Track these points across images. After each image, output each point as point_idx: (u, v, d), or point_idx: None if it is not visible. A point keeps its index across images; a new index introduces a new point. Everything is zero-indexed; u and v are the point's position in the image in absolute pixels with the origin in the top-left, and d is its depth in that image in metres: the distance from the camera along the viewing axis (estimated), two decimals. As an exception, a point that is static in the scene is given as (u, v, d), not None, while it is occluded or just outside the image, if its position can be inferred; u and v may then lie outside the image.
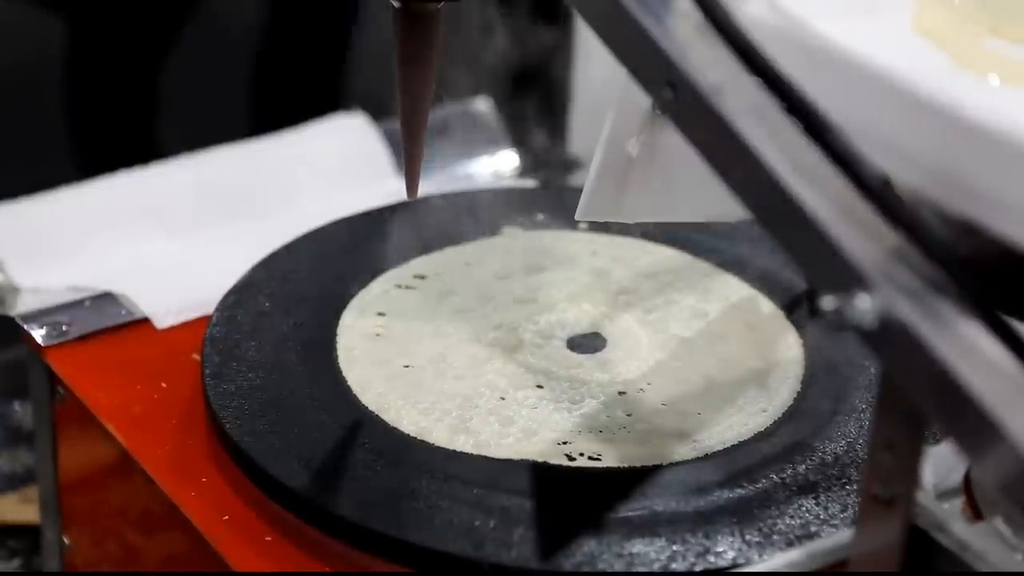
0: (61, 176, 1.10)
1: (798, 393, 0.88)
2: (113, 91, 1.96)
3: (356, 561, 0.78)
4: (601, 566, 0.75)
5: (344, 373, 0.88)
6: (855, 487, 0.80)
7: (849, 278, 0.58)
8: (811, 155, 0.61)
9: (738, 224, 0.96)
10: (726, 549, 0.76)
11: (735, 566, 0.75)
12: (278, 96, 1.94)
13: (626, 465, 0.81)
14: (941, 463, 0.70)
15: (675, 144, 0.71)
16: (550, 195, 1.08)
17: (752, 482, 0.80)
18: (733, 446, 0.83)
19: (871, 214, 0.59)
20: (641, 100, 0.77)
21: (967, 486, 0.70)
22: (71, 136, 2.01)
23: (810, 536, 0.77)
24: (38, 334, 0.95)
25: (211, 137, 1.17)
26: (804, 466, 0.82)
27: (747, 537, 0.77)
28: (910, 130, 0.61)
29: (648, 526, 0.77)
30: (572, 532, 0.76)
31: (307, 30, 1.98)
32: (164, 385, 0.91)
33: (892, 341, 0.57)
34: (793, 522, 0.78)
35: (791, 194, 0.60)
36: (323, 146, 1.15)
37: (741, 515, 0.78)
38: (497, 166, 1.19)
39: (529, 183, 1.16)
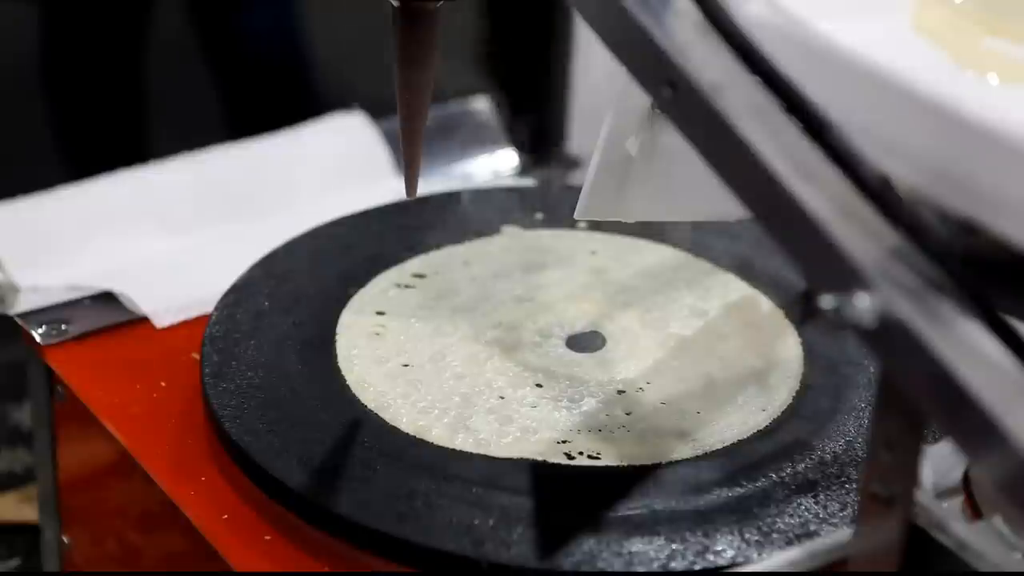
0: (61, 176, 1.10)
1: (797, 392, 0.88)
2: (112, 91, 1.96)
3: (356, 560, 0.78)
4: (600, 565, 0.75)
5: (343, 372, 0.88)
6: (854, 486, 0.80)
7: (848, 277, 0.58)
8: (811, 155, 0.61)
9: (738, 223, 0.96)
10: (725, 548, 0.76)
11: (734, 565, 0.75)
12: (277, 96, 1.95)
13: (625, 464, 0.81)
14: (941, 462, 0.70)
15: (675, 143, 0.71)
16: (549, 194, 1.08)
17: (751, 481, 0.80)
18: (732, 445, 0.83)
19: (871, 213, 0.59)
20: (641, 99, 0.77)
21: (966, 485, 0.70)
22: (70, 136, 2.01)
23: (809, 535, 0.77)
24: (37, 333, 0.95)
25: (210, 137, 1.17)
26: (803, 465, 0.82)
27: (746, 536, 0.77)
28: (910, 129, 0.61)
29: (647, 525, 0.77)
30: (571, 531, 0.76)
31: (305, 30, 1.98)
32: (163, 384, 0.91)
33: (891, 340, 0.57)
34: (792, 521, 0.78)
35: (790, 193, 0.60)
36: (322, 145, 1.15)
37: (740, 514, 0.78)
38: (496, 165, 1.19)
39: (528, 182, 1.16)
